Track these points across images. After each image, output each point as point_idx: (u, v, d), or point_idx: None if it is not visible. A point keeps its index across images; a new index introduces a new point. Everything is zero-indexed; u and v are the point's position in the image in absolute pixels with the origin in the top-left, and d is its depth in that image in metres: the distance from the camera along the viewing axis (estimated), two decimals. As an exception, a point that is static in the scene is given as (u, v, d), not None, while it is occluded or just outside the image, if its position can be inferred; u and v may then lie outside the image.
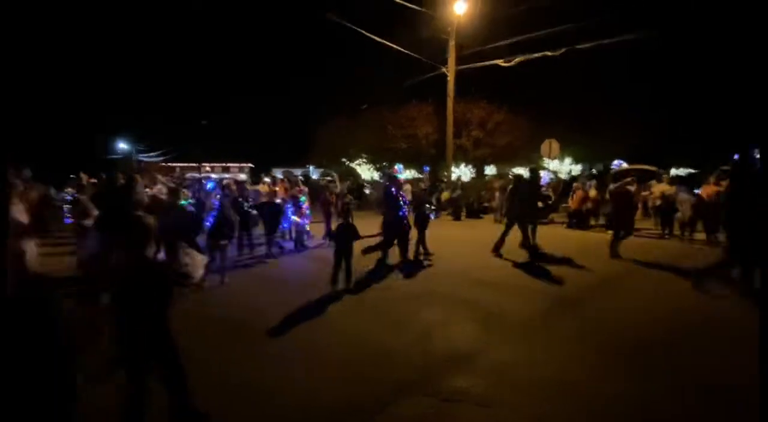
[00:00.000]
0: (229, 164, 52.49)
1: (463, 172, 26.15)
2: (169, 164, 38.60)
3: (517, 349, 3.71)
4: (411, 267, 6.68)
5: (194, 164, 40.32)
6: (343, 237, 5.44)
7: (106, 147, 37.66)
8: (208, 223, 6.87)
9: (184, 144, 39.03)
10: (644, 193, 11.96)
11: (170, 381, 2.31)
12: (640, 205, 11.82)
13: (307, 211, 8.57)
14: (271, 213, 7.76)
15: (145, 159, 38.92)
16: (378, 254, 6.46)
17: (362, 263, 6.09)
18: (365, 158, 28.50)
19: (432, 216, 7.21)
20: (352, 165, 28.74)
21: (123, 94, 43.51)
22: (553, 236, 9.24)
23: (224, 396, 2.89)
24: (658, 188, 11.14)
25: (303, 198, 8.53)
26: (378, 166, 28.09)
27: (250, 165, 50.92)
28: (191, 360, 2.45)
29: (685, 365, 3.36)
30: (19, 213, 4.32)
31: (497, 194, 14.43)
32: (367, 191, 19.80)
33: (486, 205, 15.45)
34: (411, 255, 7.09)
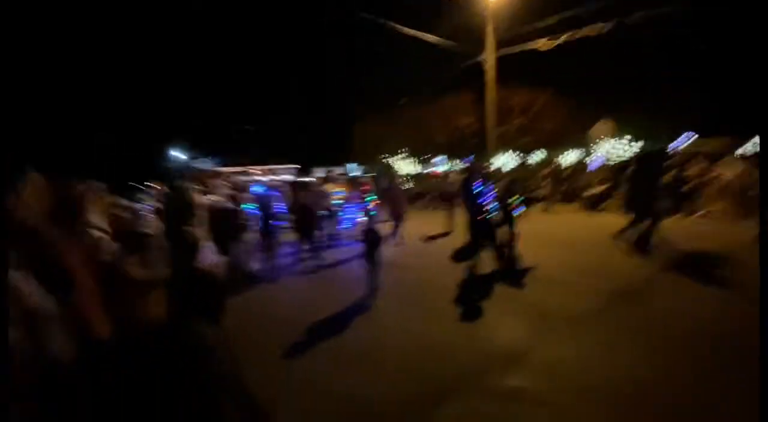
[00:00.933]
0: (274, 166, 54.57)
1: (507, 161, 25.27)
2: (218, 169, 40.79)
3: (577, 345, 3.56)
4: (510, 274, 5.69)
5: (242, 168, 42.32)
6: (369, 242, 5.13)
7: (164, 155, 40.49)
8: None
9: (232, 149, 41.11)
10: (713, 174, 10.86)
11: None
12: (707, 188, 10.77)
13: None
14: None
15: (198, 165, 41.40)
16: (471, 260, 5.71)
17: (454, 275, 5.68)
18: (405, 152, 28.43)
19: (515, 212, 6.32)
20: (393, 160, 28.78)
21: (173, 103, 46.49)
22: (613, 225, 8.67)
23: (274, 391, 3.04)
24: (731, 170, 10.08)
25: (369, 197, 7.98)
26: (419, 159, 27.91)
27: (297, 166, 52.57)
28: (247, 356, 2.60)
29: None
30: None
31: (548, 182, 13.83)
32: (407, 186, 19.70)
33: (532, 195, 14.81)
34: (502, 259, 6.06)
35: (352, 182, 10.03)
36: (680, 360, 3.23)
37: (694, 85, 23.98)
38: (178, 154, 41.79)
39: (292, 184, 10.79)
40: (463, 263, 5.76)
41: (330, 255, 7.49)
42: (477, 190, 5.71)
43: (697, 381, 2.93)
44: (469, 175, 6.12)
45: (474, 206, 5.70)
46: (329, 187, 10.22)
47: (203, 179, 8.88)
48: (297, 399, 2.98)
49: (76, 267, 1.38)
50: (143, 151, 38.15)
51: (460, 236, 6.32)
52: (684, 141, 20.38)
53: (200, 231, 2.57)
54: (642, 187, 6.46)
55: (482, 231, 5.72)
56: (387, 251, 7.48)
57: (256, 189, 9.46)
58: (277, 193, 8.03)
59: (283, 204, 7.30)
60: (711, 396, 2.76)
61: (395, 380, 3.18)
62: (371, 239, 5.16)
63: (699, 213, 9.70)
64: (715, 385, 2.88)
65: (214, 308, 2.26)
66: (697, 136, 20.82)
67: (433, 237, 8.70)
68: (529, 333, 3.87)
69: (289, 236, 7.43)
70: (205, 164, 41.45)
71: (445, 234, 8.87)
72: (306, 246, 7.29)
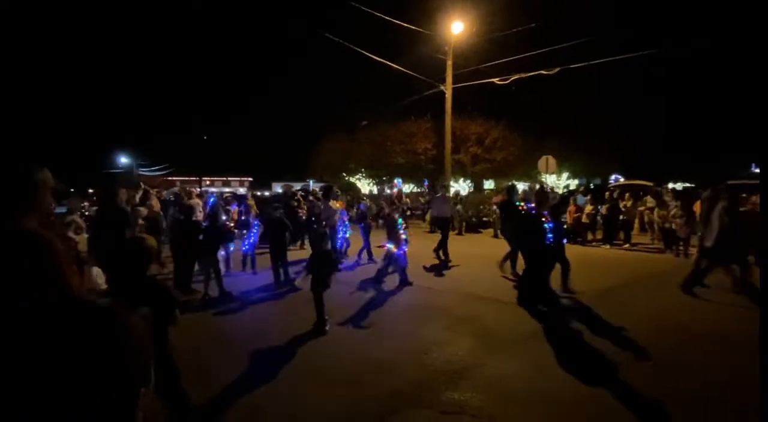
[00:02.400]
0: (229, 178, 52.80)
1: (461, 187, 26.36)
2: (169, 178, 38.86)
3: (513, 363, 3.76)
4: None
5: (195, 178, 40.61)
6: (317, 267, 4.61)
7: (107, 161, 38.00)
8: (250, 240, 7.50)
9: (185, 158, 39.45)
10: (640, 208, 12.11)
11: (169, 398, 2.37)
12: (636, 220, 11.98)
13: (405, 236, 6.56)
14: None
15: (146, 173, 39.19)
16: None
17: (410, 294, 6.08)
18: (364, 173, 28.76)
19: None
20: (352, 179, 28.97)
21: (124, 109, 44.10)
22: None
23: (219, 408, 2.93)
24: (650, 203, 11.31)
25: (400, 220, 6.69)
26: (377, 180, 28.33)
27: (250, 179, 51.22)
28: (194, 369, 2.51)
29: (693, 378, 3.40)
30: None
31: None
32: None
33: (485, 219, 15.55)
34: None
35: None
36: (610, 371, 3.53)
37: (628, 132, 26.93)
38: (125, 160, 39.39)
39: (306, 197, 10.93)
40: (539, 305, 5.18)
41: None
42: (536, 217, 5.23)
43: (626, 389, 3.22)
44: (539, 201, 5.49)
45: (540, 238, 5.16)
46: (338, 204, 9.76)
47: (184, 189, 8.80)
48: (249, 414, 2.90)
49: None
50: (85, 156, 35.55)
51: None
52: (613, 181, 22.79)
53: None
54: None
55: (548, 265, 5.26)
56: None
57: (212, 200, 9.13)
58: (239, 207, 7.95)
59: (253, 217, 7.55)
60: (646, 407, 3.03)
61: (345, 394, 3.20)
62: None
63: (626, 246, 10.66)
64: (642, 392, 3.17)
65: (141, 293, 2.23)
66: (622, 178, 23.40)
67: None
68: (475, 351, 4.04)
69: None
70: (151, 172, 39.30)
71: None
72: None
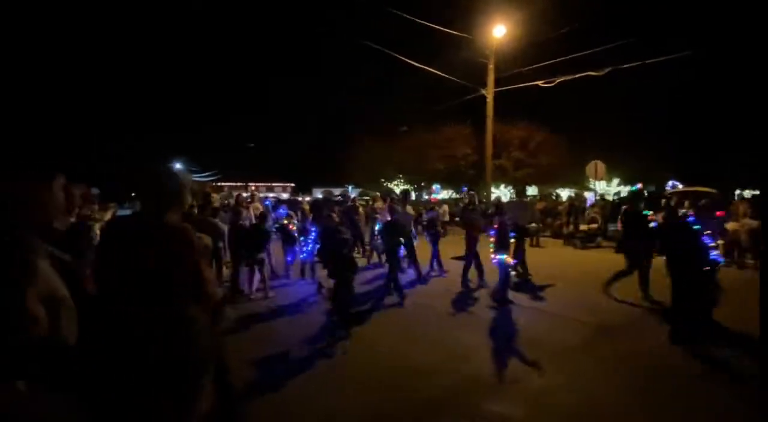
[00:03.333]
0: (273, 184, 54.95)
1: (502, 193, 25.68)
2: (218, 184, 41.03)
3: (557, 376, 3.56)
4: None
5: (241, 184, 42.59)
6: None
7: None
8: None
9: (232, 165, 41.53)
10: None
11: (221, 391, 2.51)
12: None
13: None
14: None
15: (197, 179, 41.64)
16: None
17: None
18: (402, 178, 28.81)
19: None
20: (390, 185, 29.11)
21: (178, 117, 47.27)
22: (603, 261, 8.75)
23: (253, 411, 3.01)
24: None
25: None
26: (415, 186, 28.26)
27: (292, 184, 52.98)
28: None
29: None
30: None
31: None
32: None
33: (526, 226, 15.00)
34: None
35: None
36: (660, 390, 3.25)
37: (680, 138, 24.96)
38: (179, 167, 42.19)
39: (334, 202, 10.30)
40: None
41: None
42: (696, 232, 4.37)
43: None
44: (699, 210, 4.86)
45: (697, 255, 4.36)
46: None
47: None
48: (284, 418, 2.96)
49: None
50: (147, 163, 38.40)
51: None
52: (670, 188, 21.07)
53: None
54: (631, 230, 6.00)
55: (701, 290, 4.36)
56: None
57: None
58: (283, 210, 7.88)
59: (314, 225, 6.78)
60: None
61: (383, 399, 3.17)
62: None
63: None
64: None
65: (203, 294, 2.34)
66: (680, 185, 21.60)
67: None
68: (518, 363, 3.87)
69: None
70: (202, 178, 41.70)
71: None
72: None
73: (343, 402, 3.18)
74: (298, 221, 7.81)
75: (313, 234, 6.81)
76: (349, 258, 4.92)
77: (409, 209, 7.57)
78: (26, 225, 1.16)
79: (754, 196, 22.21)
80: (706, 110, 27.80)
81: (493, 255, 5.75)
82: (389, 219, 6.53)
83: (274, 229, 7.60)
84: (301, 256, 7.07)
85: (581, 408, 3.06)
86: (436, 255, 7.80)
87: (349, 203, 10.91)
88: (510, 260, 5.60)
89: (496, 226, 5.91)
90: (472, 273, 6.82)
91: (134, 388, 1.19)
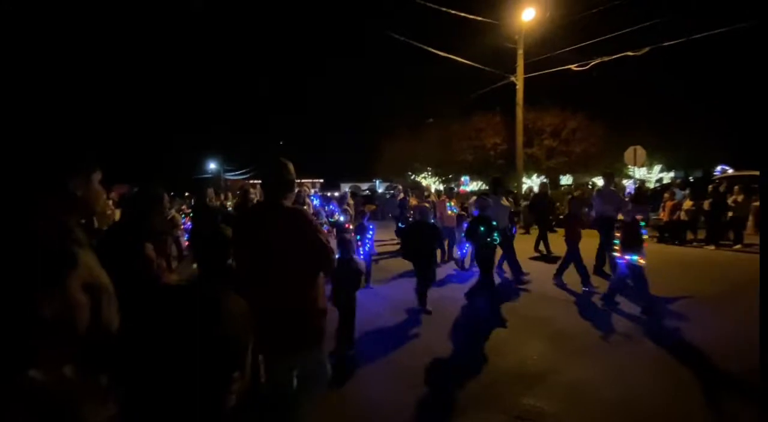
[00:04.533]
0: (303, 180, 56.04)
1: (534, 183, 24.92)
2: (252, 181, 42.28)
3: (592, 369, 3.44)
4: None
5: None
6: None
7: (199, 168, 42.42)
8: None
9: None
10: (755, 204, 10.36)
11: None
12: (751, 216, 10.27)
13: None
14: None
15: (231, 177, 43.01)
16: None
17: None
18: (430, 171, 28.52)
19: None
20: (418, 178, 28.90)
21: (210, 117, 48.90)
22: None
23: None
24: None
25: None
26: (443, 178, 27.91)
27: (321, 180, 53.78)
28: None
29: None
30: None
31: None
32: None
33: (561, 216, 14.51)
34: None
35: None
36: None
37: (728, 118, 23.10)
38: (213, 166, 43.72)
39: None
40: None
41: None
42: None
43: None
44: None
45: None
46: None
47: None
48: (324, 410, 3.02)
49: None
50: (182, 162, 40.10)
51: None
52: (719, 173, 19.63)
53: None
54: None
55: None
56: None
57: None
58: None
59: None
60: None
61: (421, 392, 3.19)
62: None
63: (737, 246, 9.21)
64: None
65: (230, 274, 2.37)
66: (730, 169, 20.02)
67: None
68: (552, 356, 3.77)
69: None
70: (236, 176, 43.04)
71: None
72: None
73: (387, 396, 3.19)
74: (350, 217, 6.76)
75: (371, 232, 6.45)
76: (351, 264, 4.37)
77: (505, 201, 6.70)
78: (68, 217, 1.21)
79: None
80: (758, 88, 25.68)
81: (620, 255, 5.02)
82: (479, 214, 5.56)
83: (326, 229, 6.77)
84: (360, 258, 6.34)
85: (615, 403, 2.94)
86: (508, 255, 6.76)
87: (400, 195, 10.51)
88: (642, 261, 4.84)
89: (622, 219, 5.15)
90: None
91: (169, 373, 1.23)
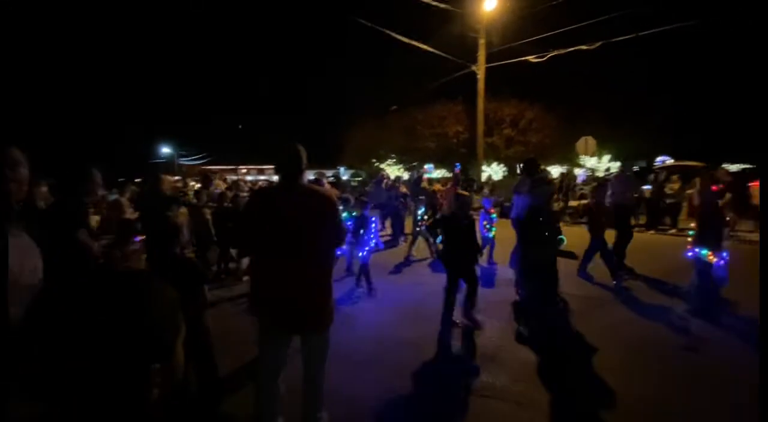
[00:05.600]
0: (264, 166, 54.27)
1: (494, 171, 25.71)
2: (207, 167, 40.46)
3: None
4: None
5: (232, 167, 42.03)
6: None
7: (151, 152, 40.01)
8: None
9: (221, 148, 40.88)
10: (689, 191, 11.29)
11: (202, 374, 2.48)
12: (685, 204, 11.20)
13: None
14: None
15: (186, 162, 40.96)
16: None
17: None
18: (394, 158, 28.62)
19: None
20: (382, 166, 28.93)
21: (164, 100, 46.09)
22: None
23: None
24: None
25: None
26: (407, 165, 28.13)
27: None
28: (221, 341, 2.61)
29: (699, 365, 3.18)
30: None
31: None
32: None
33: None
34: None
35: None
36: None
37: (670, 113, 24.92)
38: (167, 151, 41.35)
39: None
40: None
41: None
42: None
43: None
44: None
45: None
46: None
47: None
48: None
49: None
50: (133, 147, 37.63)
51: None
52: (660, 163, 21.21)
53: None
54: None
55: None
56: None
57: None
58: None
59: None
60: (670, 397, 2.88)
61: (375, 374, 3.26)
62: None
63: (672, 231, 10.05)
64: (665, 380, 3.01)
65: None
66: (671, 159, 21.69)
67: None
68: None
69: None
70: (191, 161, 41.05)
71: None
72: None
73: (344, 379, 3.22)
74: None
75: (374, 224, 5.69)
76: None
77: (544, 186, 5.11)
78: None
79: (744, 169, 22.48)
80: (701, 84, 27.82)
81: (692, 247, 4.47)
82: (535, 205, 4.34)
83: None
84: (360, 254, 5.31)
85: (562, 378, 3.16)
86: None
87: (385, 182, 9.96)
88: (713, 258, 4.26)
89: (697, 205, 4.56)
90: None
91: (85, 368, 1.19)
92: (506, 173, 26.46)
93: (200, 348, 2.47)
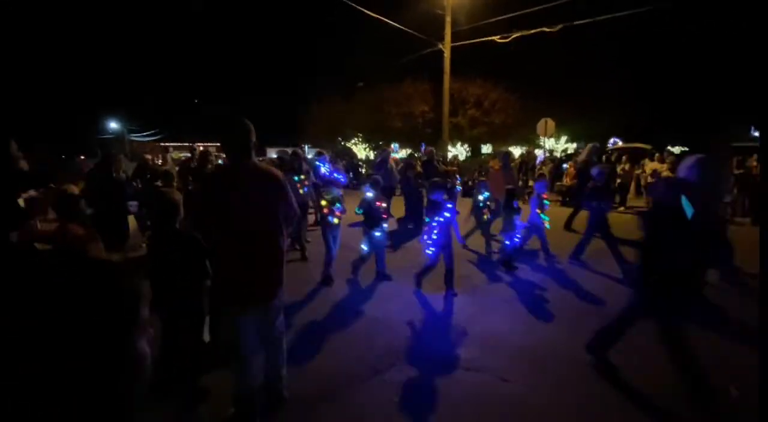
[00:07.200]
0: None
1: (459, 151, 26.12)
2: (162, 144, 38.16)
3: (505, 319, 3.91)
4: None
5: (188, 144, 39.85)
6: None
7: (97, 127, 37.06)
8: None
9: (176, 123, 38.57)
10: (637, 172, 12.13)
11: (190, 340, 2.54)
12: (632, 183, 12.02)
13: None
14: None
15: (137, 138, 38.39)
16: None
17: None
18: (360, 137, 28.32)
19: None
20: (348, 144, 28.56)
21: (113, 73, 42.54)
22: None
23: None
24: (650, 166, 11.33)
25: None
26: (373, 145, 27.96)
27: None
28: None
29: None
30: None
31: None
32: (362, 170, 19.75)
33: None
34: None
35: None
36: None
37: (629, 94, 26.26)
38: (115, 126, 38.39)
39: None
40: None
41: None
42: None
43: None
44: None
45: None
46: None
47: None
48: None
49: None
50: (74, 123, 34.65)
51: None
52: (611, 145, 22.45)
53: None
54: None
55: None
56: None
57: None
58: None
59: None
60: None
61: (347, 351, 3.34)
62: None
63: (620, 208, 10.77)
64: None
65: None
66: (620, 142, 23.06)
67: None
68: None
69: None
70: (143, 137, 38.50)
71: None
72: None
73: (315, 354, 3.27)
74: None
75: (449, 212, 4.37)
76: None
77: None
78: None
79: (683, 151, 24.27)
80: (653, 69, 29.41)
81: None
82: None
83: (340, 211, 4.90)
84: (428, 252, 4.36)
85: (522, 348, 3.40)
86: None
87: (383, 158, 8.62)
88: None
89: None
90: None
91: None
92: (469, 154, 26.98)
93: (211, 312, 2.59)
